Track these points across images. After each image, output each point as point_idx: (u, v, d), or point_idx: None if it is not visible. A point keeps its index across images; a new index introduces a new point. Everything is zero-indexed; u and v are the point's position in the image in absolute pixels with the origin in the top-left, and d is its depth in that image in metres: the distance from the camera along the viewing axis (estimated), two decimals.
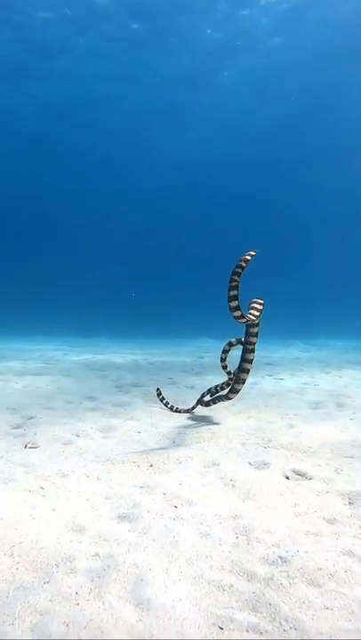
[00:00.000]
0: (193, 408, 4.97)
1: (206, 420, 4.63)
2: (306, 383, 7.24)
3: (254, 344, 3.86)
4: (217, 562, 1.92)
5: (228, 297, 3.12)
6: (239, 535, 2.11)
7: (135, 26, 21.09)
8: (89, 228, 44.31)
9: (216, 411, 5.08)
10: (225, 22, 21.46)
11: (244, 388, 4.78)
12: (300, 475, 2.96)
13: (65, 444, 3.71)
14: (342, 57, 23.61)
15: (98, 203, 42.20)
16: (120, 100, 27.20)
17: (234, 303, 3.14)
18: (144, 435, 4.08)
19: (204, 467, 3.15)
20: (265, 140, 32.08)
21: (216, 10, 20.59)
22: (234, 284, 3.08)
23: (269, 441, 3.70)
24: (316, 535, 2.12)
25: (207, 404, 4.75)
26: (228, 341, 4.57)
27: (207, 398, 4.90)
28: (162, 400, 4.65)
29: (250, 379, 4.62)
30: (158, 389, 4.53)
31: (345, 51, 23.12)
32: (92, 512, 2.36)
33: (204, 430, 4.20)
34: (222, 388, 4.68)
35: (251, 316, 3.44)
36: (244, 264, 3.08)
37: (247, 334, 3.85)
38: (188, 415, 4.88)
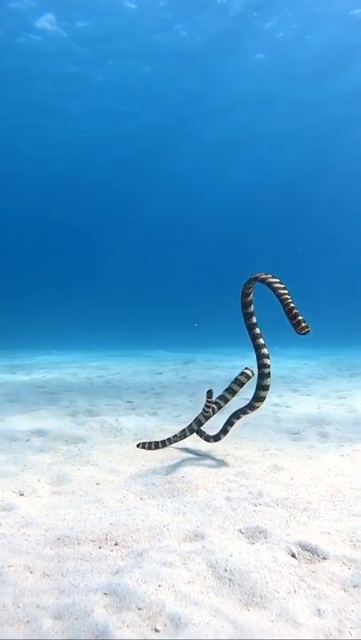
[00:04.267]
0: (189, 432, 4.16)
1: (175, 460, 3.92)
2: (276, 405, 6.67)
3: (270, 367, 3.29)
4: None
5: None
6: None
7: None
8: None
9: (185, 445, 4.39)
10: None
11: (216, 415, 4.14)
12: (310, 551, 2.31)
13: (4, 509, 2.91)
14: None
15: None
16: None
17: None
18: (103, 488, 3.33)
19: (186, 541, 2.45)
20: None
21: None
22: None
23: (259, 495, 3.04)
24: None
25: (224, 434, 4.03)
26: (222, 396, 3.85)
27: (206, 427, 4.19)
28: (150, 446, 4.15)
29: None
30: (139, 444, 4.16)
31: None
32: None
33: (177, 478, 3.49)
34: (212, 410, 3.89)
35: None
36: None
37: (261, 356, 3.24)
38: (153, 454, 4.15)
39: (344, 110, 27.88)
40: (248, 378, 3.81)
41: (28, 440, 4.68)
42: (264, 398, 3.50)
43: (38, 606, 1.84)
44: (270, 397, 7.47)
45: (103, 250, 45.11)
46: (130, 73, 24.93)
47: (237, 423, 4.05)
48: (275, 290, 2.94)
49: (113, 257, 45.65)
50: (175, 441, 4.18)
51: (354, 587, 1.99)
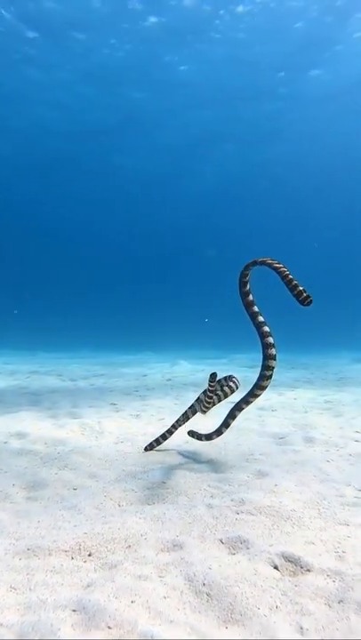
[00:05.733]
0: (192, 414, 4.00)
1: (157, 465, 3.80)
2: (262, 408, 6.58)
3: (273, 368, 3.21)
4: None
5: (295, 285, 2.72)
6: None
7: None
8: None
9: (168, 449, 4.27)
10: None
11: (199, 419, 4.09)
12: (293, 562, 2.20)
13: None
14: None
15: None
16: None
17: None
18: (81, 493, 3.20)
19: (163, 552, 2.33)
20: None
21: None
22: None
23: (241, 502, 2.93)
24: None
25: (217, 434, 3.93)
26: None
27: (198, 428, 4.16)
28: (158, 442, 4.22)
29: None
30: (147, 447, 4.24)
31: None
32: None
33: (157, 483, 3.38)
34: (217, 398, 3.66)
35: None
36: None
37: (266, 357, 3.16)
38: (134, 458, 4.03)
39: (315, 109, 27.97)
40: (233, 391, 3.72)
41: (5, 442, 4.53)
42: (259, 395, 3.49)
43: (1, 624, 1.71)
44: (255, 401, 7.40)
45: (90, 252, 44.88)
46: (95, 64, 24.52)
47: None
48: (270, 265, 2.92)
49: (101, 258, 45.46)
50: (179, 425, 4.08)
51: (339, 602, 1.88)
